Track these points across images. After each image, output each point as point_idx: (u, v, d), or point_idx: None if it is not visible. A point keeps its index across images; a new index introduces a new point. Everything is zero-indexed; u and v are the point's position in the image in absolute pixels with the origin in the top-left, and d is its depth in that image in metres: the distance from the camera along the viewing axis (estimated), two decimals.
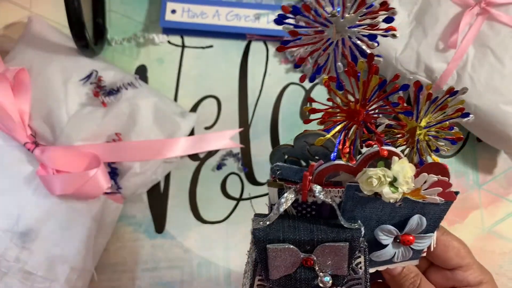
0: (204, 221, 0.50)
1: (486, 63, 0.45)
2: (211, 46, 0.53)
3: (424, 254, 0.34)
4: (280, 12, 0.26)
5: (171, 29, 0.53)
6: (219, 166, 0.51)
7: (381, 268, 0.33)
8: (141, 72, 0.52)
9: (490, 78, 0.45)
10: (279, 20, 0.27)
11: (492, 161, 0.52)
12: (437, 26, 0.46)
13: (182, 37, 0.53)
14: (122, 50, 0.52)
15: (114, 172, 0.45)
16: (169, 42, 0.53)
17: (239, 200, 0.50)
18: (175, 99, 0.52)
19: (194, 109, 0.51)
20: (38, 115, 0.44)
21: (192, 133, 0.50)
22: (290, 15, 0.26)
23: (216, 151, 0.51)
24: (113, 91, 0.44)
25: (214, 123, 0.51)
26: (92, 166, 0.42)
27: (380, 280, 0.36)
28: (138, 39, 0.52)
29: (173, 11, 0.51)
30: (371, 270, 0.33)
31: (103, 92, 0.44)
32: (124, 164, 0.45)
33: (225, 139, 0.50)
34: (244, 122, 0.52)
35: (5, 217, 0.41)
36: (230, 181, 0.51)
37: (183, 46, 0.53)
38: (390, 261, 0.33)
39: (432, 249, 0.33)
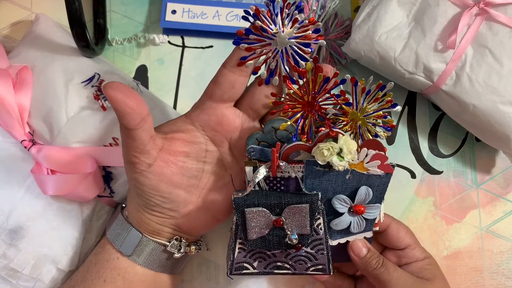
0: None
1: (485, 63, 0.45)
2: (211, 46, 0.53)
3: (377, 228, 0.40)
4: (237, 35, 0.34)
5: (171, 30, 0.53)
6: None
7: (342, 241, 0.39)
8: (142, 72, 0.52)
9: (488, 78, 0.45)
10: (236, 42, 0.34)
11: (490, 160, 0.53)
12: (436, 26, 0.46)
13: (182, 38, 0.53)
14: (122, 50, 0.53)
15: (108, 176, 0.45)
16: (169, 42, 0.53)
17: None
18: (175, 99, 0.52)
19: None
20: (37, 114, 0.43)
21: None
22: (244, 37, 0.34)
23: None
24: None
25: None
26: (87, 169, 0.42)
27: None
28: (138, 40, 0.53)
29: (174, 12, 0.52)
30: (334, 243, 0.39)
31: (103, 95, 0.43)
32: (119, 169, 0.44)
33: None
34: None
35: None
36: None
37: (184, 46, 0.53)
38: (349, 232, 0.38)
39: (381, 220, 0.40)
